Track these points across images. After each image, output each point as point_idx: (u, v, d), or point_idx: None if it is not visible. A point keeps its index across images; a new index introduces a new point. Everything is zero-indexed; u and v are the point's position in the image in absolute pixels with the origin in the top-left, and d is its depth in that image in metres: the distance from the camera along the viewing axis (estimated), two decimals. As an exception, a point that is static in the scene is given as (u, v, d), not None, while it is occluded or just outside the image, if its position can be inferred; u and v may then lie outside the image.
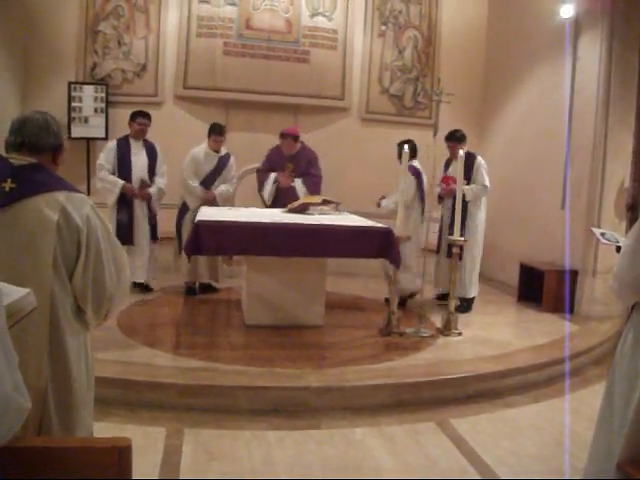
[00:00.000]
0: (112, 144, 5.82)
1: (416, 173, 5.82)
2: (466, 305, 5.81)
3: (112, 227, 5.47)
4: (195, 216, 5.28)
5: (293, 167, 5.97)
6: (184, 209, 6.01)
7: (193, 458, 3.07)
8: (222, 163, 6.05)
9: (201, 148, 6.02)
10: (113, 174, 5.73)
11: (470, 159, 5.69)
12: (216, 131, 5.97)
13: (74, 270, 1.99)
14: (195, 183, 5.92)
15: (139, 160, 5.80)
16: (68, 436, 1.98)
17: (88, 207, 2.04)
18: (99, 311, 2.09)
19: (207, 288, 6.13)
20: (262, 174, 6.12)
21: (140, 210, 5.78)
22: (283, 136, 6.00)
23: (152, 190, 5.80)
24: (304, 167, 6.02)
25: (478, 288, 5.98)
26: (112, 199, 5.67)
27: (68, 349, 2.00)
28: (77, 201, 2.02)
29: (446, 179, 5.82)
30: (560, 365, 4.51)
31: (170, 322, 5.13)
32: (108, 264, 2.05)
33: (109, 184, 5.70)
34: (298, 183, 5.97)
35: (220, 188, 6.00)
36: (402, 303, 5.70)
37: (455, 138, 5.82)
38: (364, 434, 3.43)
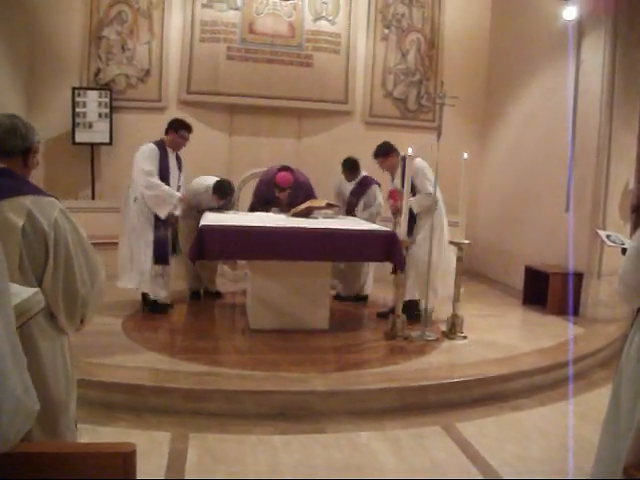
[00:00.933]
0: (154, 148, 5.23)
1: (375, 181, 5.93)
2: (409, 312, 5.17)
3: (149, 241, 5.16)
4: (192, 223, 5.31)
5: (290, 201, 5.84)
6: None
7: (198, 462, 3.07)
8: (225, 205, 5.92)
9: (206, 191, 5.66)
10: None
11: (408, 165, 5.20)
12: (220, 194, 5.64)
13: (43, 275, 1.96)
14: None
15: (174, 173, 5.38)
16: (51, 439, 1.97)
17: (57, 211, 1.99)
18: (73, 317, 2.05)
19: (213, 293, 6.12)
20: (260, 207, 5.96)
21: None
22: (281, 189, 5.76)
23: (178, 213, 5.42)
24: (302, 199, 5.82)
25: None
26: (165, 211, 5.17)
27: (41, 354, 1.97)
28: (44, 205, 1.98)
29: (393, 194, 5.35)
30: (566, 368, 4.50)
31: (175, 327, 5.14)
32: (80, 269, 2.01)
33: (165, 194, 5.17)
34: None
35: None
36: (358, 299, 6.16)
37: (380, 154, 5.40)
38: (369, 438, 3.43)
